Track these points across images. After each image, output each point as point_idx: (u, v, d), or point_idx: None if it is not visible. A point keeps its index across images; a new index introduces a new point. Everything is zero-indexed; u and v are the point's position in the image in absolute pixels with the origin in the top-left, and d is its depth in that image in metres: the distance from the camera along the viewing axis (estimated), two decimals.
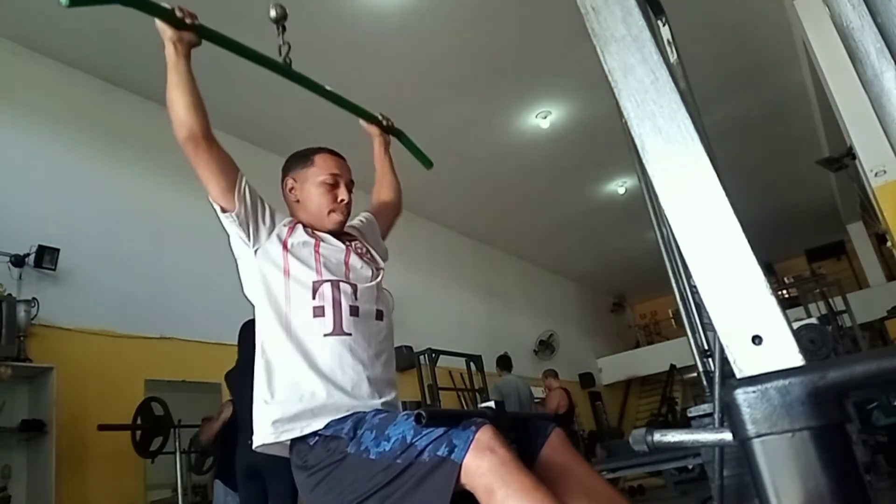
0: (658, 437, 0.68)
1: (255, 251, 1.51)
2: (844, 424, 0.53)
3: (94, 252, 4.72)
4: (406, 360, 6.99)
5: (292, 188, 1.66)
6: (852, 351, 6.58)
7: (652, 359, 13.18)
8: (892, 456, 5.12)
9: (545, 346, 10.91)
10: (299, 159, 1.68)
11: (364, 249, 1.67)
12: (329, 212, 1.61)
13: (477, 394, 7.72)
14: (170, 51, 1.48)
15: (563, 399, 7.33)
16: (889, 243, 6.41)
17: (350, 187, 1.66)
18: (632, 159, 2.40)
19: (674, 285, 2.51)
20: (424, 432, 1.20)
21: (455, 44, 5.78)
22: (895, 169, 4.30)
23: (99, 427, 4.04)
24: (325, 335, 1.44)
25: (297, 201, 1.64)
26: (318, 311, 1.46)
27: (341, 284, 1.50)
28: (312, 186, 1.62)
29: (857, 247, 12.27)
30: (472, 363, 7.73)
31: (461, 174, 8.03)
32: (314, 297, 1.46)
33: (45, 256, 4.26)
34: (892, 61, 0.58)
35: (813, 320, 5.24)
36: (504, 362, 7.37)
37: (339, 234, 1.64)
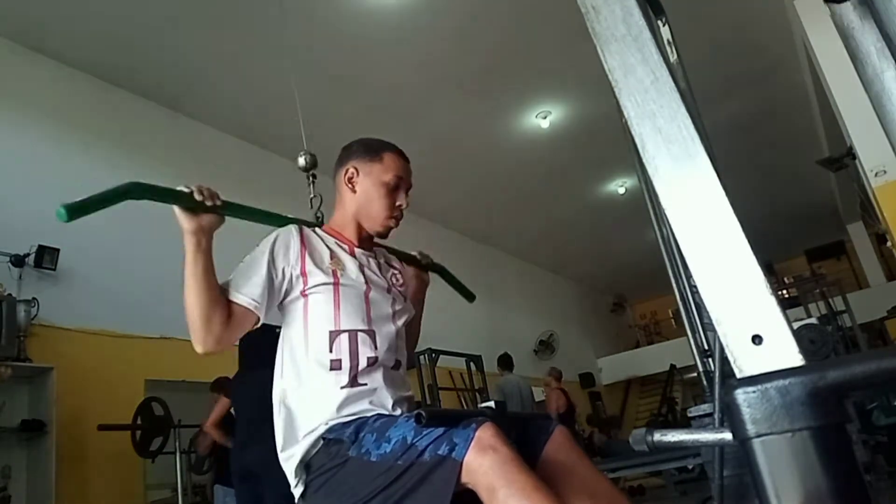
0: (658, 437, 0.68)
1: (280, 304, 1.47)
2: (844, 424, 0.53)
3: (94, 252, 4.72)
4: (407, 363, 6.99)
5: (352, 177, 1.56)
6: (852, 351, 6.59)
7: (652, 359, 13.19)
8: (892, 456, 5.12)
9: (545, 346, 10.91)
10: (367, 151, 1.58)
11: (391, 274, 1.61)
12: (386, 217, 1.55)
13: (477, 394, 7.72)
14: (189, 243, 1.33)
15: (560, 399, 7.32)
16: (889, 243, 6.41)
17: (408, 193, 1.59)
18: (632, 159, 2.40)
19: (674, 285, 2.51)
20: (425, 433, 1.20)
21: (455, 44, 5.78)
22: (895, 169, 4.30)
23: (99, 427, 4.04)
24: (342, 388, 1.40)
25: (354, 192, 1.56)
26: (335, 364, 1.41)
27: (359, 335, 1.44)
28: (374, 184, 1.54)
29: (857, 247, 12.28)
30: (472, 363, 7.73)
31: (461, 174, 8.04)
32: (331, 350, 1.42)
33: (45, 256, 4.26)
34: (892, 61, 0.58)
35: (813, 320, 5.24)
36: (505, 362, 7.38)
37: (372, 245, 1.59)
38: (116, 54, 5.06)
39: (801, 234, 12.70)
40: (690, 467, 5.83)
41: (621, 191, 9.49)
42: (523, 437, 1.39)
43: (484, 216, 9.47)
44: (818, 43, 4.82)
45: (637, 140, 0.63)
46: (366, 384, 1.41)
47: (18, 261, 4.20)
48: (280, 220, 1.58)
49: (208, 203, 1.34)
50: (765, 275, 0.57)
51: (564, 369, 11.42)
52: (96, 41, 4.90)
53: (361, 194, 1.56)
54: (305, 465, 1.38)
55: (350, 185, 1.57)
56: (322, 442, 1.36)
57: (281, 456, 1.41)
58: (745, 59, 6.65)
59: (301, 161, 1.71)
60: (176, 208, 1.33)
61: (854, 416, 4.92)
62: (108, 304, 4.66)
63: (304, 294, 1.44)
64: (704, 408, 2.23)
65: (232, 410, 3.80)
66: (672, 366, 12.47)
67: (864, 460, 4.49)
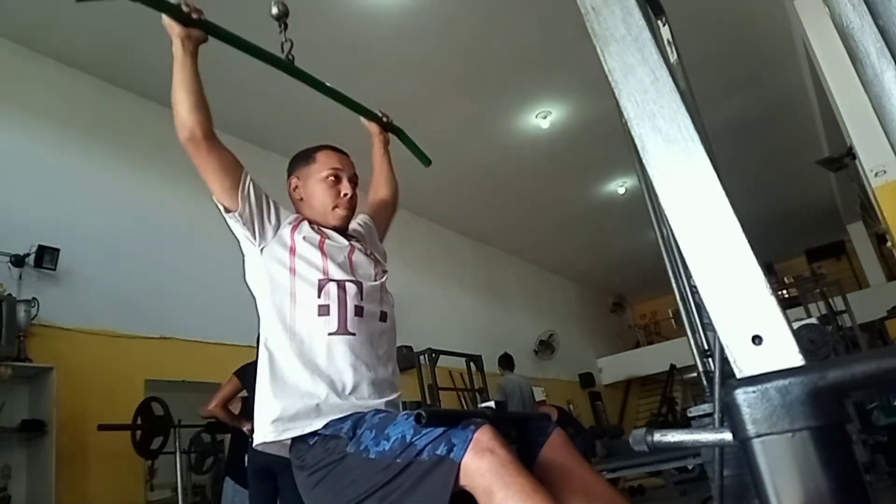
0: (658, 437, 0.68)
1: (261, 249, 1.51)
2: (844, 424, 0.53)
3: (94, 252, 4.72)
4: (406, 360, 6.99)
5: (296, 187, 1.66)
6: (852, 351, 6.58)
7: (652, 359, 13.18)
8: (892, 456, 5.12)
9: (545, 346, 10.91)
10: (301, 158, 1.68)
11: (368, 250, 1.67)
12: (333, 207, 1.61)
13: (477, 394, 7.72)
14: (177, 48, 1.46)
15: (551, 411, 7.28)
16: (889, 243, 6.40)
17: (353, 182, 1.66)
18: (632, 159, 2.40)
19: (674, 285, 2.51)
20: (424, 432, 1.20)
21: (455, 44, 5.78)
22: (895, 169, 4.30)
23: (99, 427, 4.04)
24: (330, 334, 1.44)
25: (302, 199, 1.65)
26: (323, 310, 1.45)
27: (347, 284, 1.49)
28: (315, 183, 1.63)
29: (857, 247, 12.27)
30: (472, 363, 7.73)
31: (461, 174, 8.03)
32: (319, 296, 1.46)
33: (45, 256, 4.26)
34: (892, 61, 0.58)
35: (813, 320, 5.24)
36: (506, 361, 7.37)
37: (343, 230, 1.65)
38: (116, 54, 5.06)
39: (801, 234, 12.70)
40: (690, 467, 5.84)
41: (621, 191, 9.48)
42: (522, 437, 1.39)
43: (484, 216, 9.47)
44: (818, 43, 4.81)
45: (637, 140, 0.63)
46: (354, 333, 1.46)
47: (18, 261, 4.20)
48: (255, 50, 1.75)
49: (194, 16, 1.48)
50: (765, 275, 0.57)
51: (565, 369, 11.46)
52: (96, 41, 4.90)
53: (308, 197, 1.64)
54: (298, 454, 1.39)
55: (297, 195, 1.67)
56: (319, 437, 1.37)
57: (258, 400, 1.42)
58: (745, 59, 6.65)
59: (274, 10, 1.82)
60: (165, 17, 1.47)
61: (854, 416, 4.92)
62: (108, 304, 4.65)
63: (292, 246, 1.51)
64: (704, 408, 2.23)
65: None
66: (672, 366, 12.47)
67: (864, 460, 4.49)
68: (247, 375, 3.57)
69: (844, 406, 0.53)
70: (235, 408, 3.66)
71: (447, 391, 7.42)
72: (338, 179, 1.63)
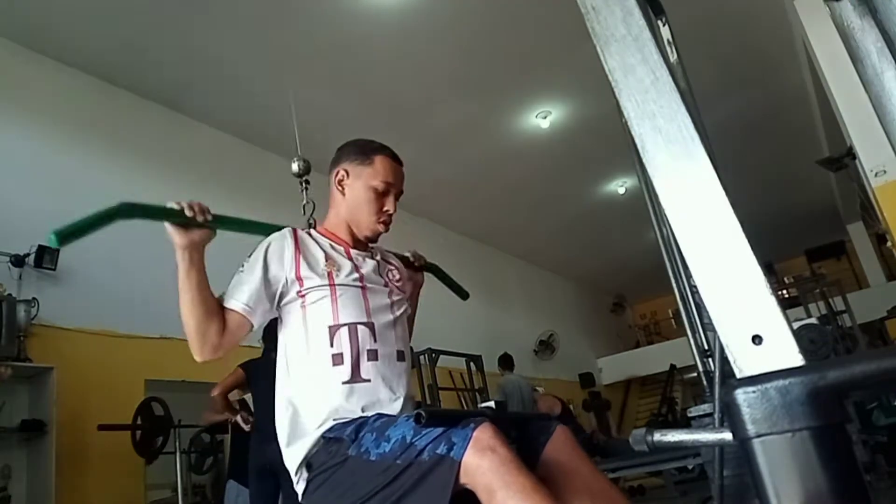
0: (658, 437, 0.68)
1: (280, 307, 1.50)
2: (844, 424, 0.53)
3: (94, 252, 4.71)
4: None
5: (342, 180, 1.57)
6: (852, 351, 6.58)
7: (652, 359, 13.18)
8: (892, 456, 5.12)
9: (545, 346, 10.91)
10: (358, 153, 1.57)
11: (387, 269, 1.61)
12: (372, 222, 1.55)
13: (477, 394, 7.72)
14: (184, 260, 1.38)
15: (554, 402, 7.14)
16: (889, 243, 6.40)
17: (398, 197, 1.59)
18: (632, 159, 2.41)
19: (674, 285, 2.51)
20: (424, 432, 1.20)
21: (455, 44, 5.78)
22: (895, 169, 4.30)
23: (99, 427, 4.04)
24: (344, 383, 1.41)
25: (343, 195, 1.57)
26: (337, 360, 1.42)
27: (359, 328, 1.44)
28: (364, 188, 1.54)
29: (857, 247, 12.27)
30: (472, 363, 7.73)
31: (461, 174, 8.04)
32: (332, 345, 1.43)
33: (45, 256, 4.26)
34: (892, 61, 0.58)
35: (813, 320, 5.23)
36: (506, 361, 7.36)
37: (366, 245, 1.60)
38: (116, 54, 5.06)
39: (801, 234, 12.69)
40: (690, 467, 5.84)
41: (621, 191, 9.48)
42: (524, 437, 1.39)
43: (484, 216, 9.47)
44: (818, 43, 4.81)
45: (637, 140, 0.63)
46: (368, 380, 1.42)
47: (18, 261, 4.20)
48: (271, 230, 1.58)
49: (199, 219, 1.38)
50: (765, 275, 0.57)
51: (565, 369, 11.45)
52: (96, 41, 4.90)
53: (350, 198, 1.56)
54: (307, 464, 1.39)
55: (340, 188, 1.58)
56: (322, 441, 1.37)
57: (285, 453, 1.41)
58: (745, 59, 6.65)
59: (294, 167, 1.72)
60: (167, 225, 1.38)
61: (854, 416, 4.92)
62: (108, 304, 4.65)
63: (300, 295, 1.46)
64: (704, 408, 2.23)
65: (250, 403, 3.74)
66: (672, 366, 12.46)
67: (864, 460, 4.49)
68: (251, 371, 3.57)
69: (844, 406, 0.53)
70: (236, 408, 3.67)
71: (447, 391, 7.42)
72: (386, 193, 1.55)
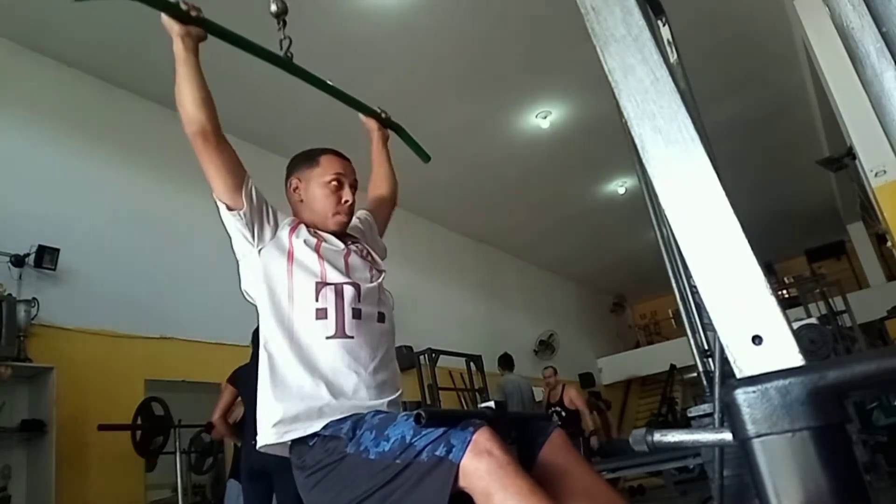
0: (658, 437, 0.68)
1: (259, 251, 1.51)
2: (844, 424, 0.53)
3: (94, 252, 4.72)
4: (406, 360, 6.99)
5: (296, 188, 1.66)
6: (852, 351, 6.58)
7: (652, 359, 13.18)
8: (892, 456, 5.12)
9: (545, 346, 10.91)
10: (304, 160, 1.68)
11: (365, 251, 1.67)
12: (334, 213, 1.61)
13: (477, 394, 7.72)
14: (178, 46, 1.48)
15: (578, 395, 6.88)
16: (889, 243, 6.40)
17: (354, 188, 1.66)
18: (632, 159, 2.41)
19: (674, 285, 2.51)
20: (424, 433, 1.20)
21: (455, 44, 5.78)
22: (895, 169, 4.30)
23: (99, 427, 4.04)
24: (328, 338, 1.45)
25: (301, 201, 1.65)
26: (321, 314, 1.46)
27: (344, 287, 1.50)
28: (317, 187, 1.62)
29: (857, 247, 12.27)
30: (472, 363, 7.73)
31: (461, 174, 8.03)
32: (317, 300, 1.47)
33: (45, 256, 4.26)
34: (892, 61, 0.58)
35: (813, 320, 5.24)
36: (506, 361, 7.35)
37: (341, 234, 1.65)
38: (116, 54, 5.06)
39: (801, 234, 12.69)
40: (690, 467, 5.84)
41: (621, 191, 9.48)
42: (522, 438, 1.39)
43: (484, 216, 9.47)
44: (818, 43, 4.81)
45: (637, 140, 0.63)
46: (352, 336, 1.47)
47: (18, 261, 4.20)
48: (254, 48, 1.77)
49: (192, 13, 1.49)
50: (765, 275, 0.57)
51: (565, 369, 11.44)
52: (97, 41, 4.90)
53: (308, 200, 1.64)
54: (297, 452, 1.40)
55: (297, 196, 1.66)
56: (318, 438, 1.37)
57: (259, 404, 1.44)
58: (745, 59, 6.65)
59: (273, 7, 1.83)
60: (164, 16, 1.49)
61: (854, 416, 4.93)
62: (108, 304, 4.65)
63: (290, 250, 1.51)
64: (704, 408, 2.23)
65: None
66: (672, 366, 12.46)
67: (864, 460, 4.49)
68: (240, 380, 3.58)
69: (844, 406, 0.53)
70: (239, 413, 3.66)
71: (447, 391, 7.42)
72: (340, 185, 1.62)
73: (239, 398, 3.61)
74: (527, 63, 6.21)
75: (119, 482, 4.34)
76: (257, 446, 1.42)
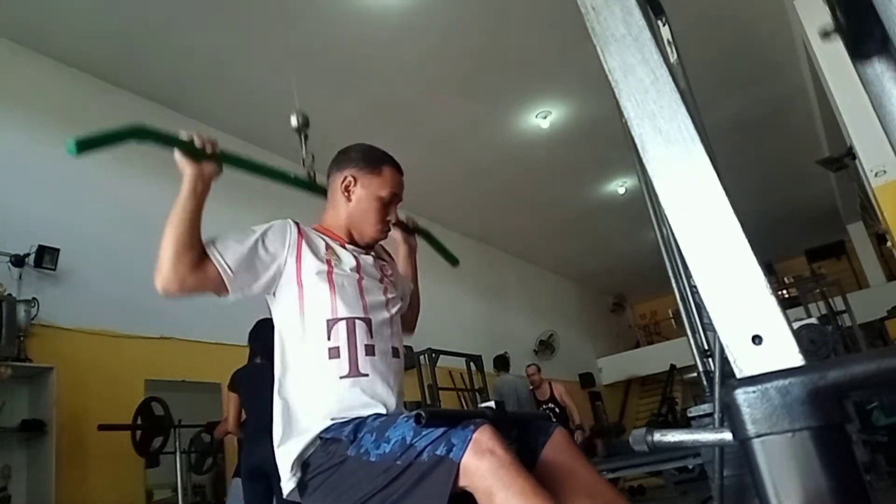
0: (658, 437, 0.68)
1: (274, 293, 1.48)
2: (844, 424, 0.53)
3: (94, 252, 4.72)
4: (406, 360, 6.97)
5: (349, 186, 1.57)
6: (852, 351, 6.58)
7: (652, 359, 13.18)
8: (892, 456, 5.12)
9: (545, 346, 10.91)
10: (367, 162, 1.59)
11: (381, 267, 1.61)
12: (375, 230, 1.57)
13: (477, 394, 7.73)
14: (187, 187, 1.39)
15: (566, 390, 6.90)
16: (889, 243, 6.40)
17: (398, 205, 1.63)
18: (632, 159, 2.41)
19: (674, 285, 2.51)
20: (424, 433, 1.20)
21: (455, 44, 5.78)
22: (895, 169, 4.30)
23: (99, 427, 4.04)
24: (342, 377, 1.41)
25: (349, 200, 1.57)
26: (334, 353, 1.42)
27: (357, 322, 1.45)
28: (371, 197, 1.56)
29: (857, 247, 12.27)
30: (472, 363, 7.73)
31: (461, 174, 8.04)
32: (329, 338, 1.43)
33: (45, 256, 4.26)
34: (893, 61, 0.58)
35: (813, 320, 5.23)
36: (501, 363, 7.30)
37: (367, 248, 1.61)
38: (117, 54, 5.06)
39: (801, 234, 12.69)
40: (690, 467, 5.84)
41: (621, 191, 9.48)
42: (523, 438, 1.39)
43: (484, 216, 9.47)
44: (818, 43, 4.81)
45: (637, 140, 0.63)
46: (367, 374, 1.42)
47: (18, 261, 4.20)
48: (278, 175, 1.67)
49: (208, 150, 1.42)
50: (765, 275, 0.57)
51: (565, 369, 11.45)
52: (97, 41, 4.90)
53: (356, 204, 1.57)
54: (303, 464, 1.38)
55: (346, 194, 1.58)
56: (320, 441, 1.37)
57: (278, 451, 1.40)
58: (745, 59, 6.65)
59: (293, 121, 1.75)
60: (177, 153, 1.42)
61: (854, 416, 4.92)
62: (108, 304, 4.65)
63: (299, 283, 1.45)
64: (704, 408, 2.23)
65: None
66: (672, 366, 12.46)
67: (864, 460, 4.49)
68: (239, 383, 3.61)
69: (844, 406, 0.53)
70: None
71: (447, 391, 7.42)
72: (391, 202, 1.59)
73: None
74: (527, 63, 6.21)
75: (119, 482, 4.34)
76: (283, 495, 1.40)
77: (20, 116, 4.65)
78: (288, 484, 1.39)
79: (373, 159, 1.59)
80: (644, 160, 0.63)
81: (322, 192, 1.69)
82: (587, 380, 12.15)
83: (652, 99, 0.63)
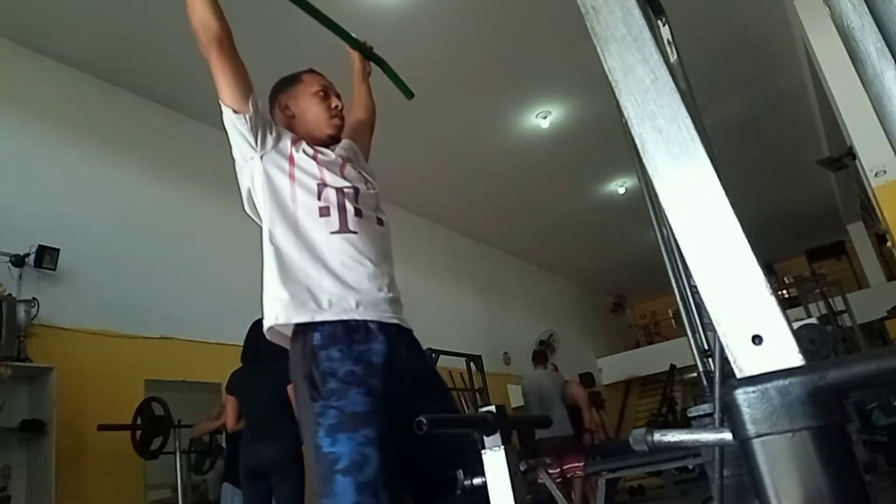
0: (658, 437, 0.68)
1: (262, 156, 1.58)
2: (844, 424, 0.53)
3: (94, 252, 4.72)
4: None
5: (286, 106, 1.75)
6: (852, 351, 6.58)
7: (652, 359, 13.18)
8: (892, 456, 5.12)
9: (545, 346, 10.90)
10: (287, 81, 1.79)
11: (357, 169, 1.74)
12: (329, 118, 1.72)
13: (477, 394, 7.72)
14: None
15: (580, 389, 6.68)
16: (889, 243, 6.40)
17: (339, 97, 1.77)
18: (632, 159, 2.41)
19: (674, 285, 2.51)
20: (348, 482, 1.29)
21: (455, 44, 5.78)
22: (895, 169, 4.30)
23: (99, 427, 4.04)
24: (332, 233, 1.51)
25: (294, 116, 1.73)
26: (324, 211, 1.53)
27: (344, 189, 1.58)
28: (307, 99, 1.73)
29: (857, 247, 12.27)
30: (472, 363, 7.73)
31: (461, 174, 8.03)
32: (319, 199, 1.54)
33: (45, 256, 4.26)
34: (892, 61, 0.58)
35: (813, 320, 5.23)
36: (535, 356, 6.95)
37: (337, 140, 1.75)
38: (116, 54, 5.05)
39: (801, 234, 12.69)
40: (690, 467, 5.84)
41: (621, 191, 9.48)
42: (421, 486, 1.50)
43: (484, 216, 9.47)
44: (818, 43, 4.82)
45: (637, 140, 0.63)
46: (356, 232, 1.54)
47: (18, 261, 4.20)
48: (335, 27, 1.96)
49: None
50: (765, 275, 0.57)
51: (565, 369, 11.44)
52: (97, 42, 4.90)
53: (301, 112, 1.74)
54: (295, 347, 1.45)
55: (289, 115, 1.74)
56: (319, 339, 1.42)
57: (266, 294, 1.49)
58: (745, 59, 6.65)
59: None
60: None
61: (854, 416, 4.92)
62: (108, 304, 4.65)
63: (291, 160, 1.58)
64: (704, 408, 2.23)
65: None
66: (672, 366, 12.46)
67: (864, 460, 4.49)
68: (237, 384, 3.63)
69: (844, 406, 0.53)
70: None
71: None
72: (327, 94, 1.74)
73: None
74: (527, 63, 6.21)
75: (119, 482, 4.34)
76: (264, 328, 1.48)
77: (20, 116, 4.65)
78: (268, 318, 1.47)
79: (290, 79, 1.80)
80: (644, 160, 0.63)
81: (376, 60, 2.00)
82: (587, 380, 12.13)
83: (652, 99, 0.63)
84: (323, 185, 1.56)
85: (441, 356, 7.06)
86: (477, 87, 6.45)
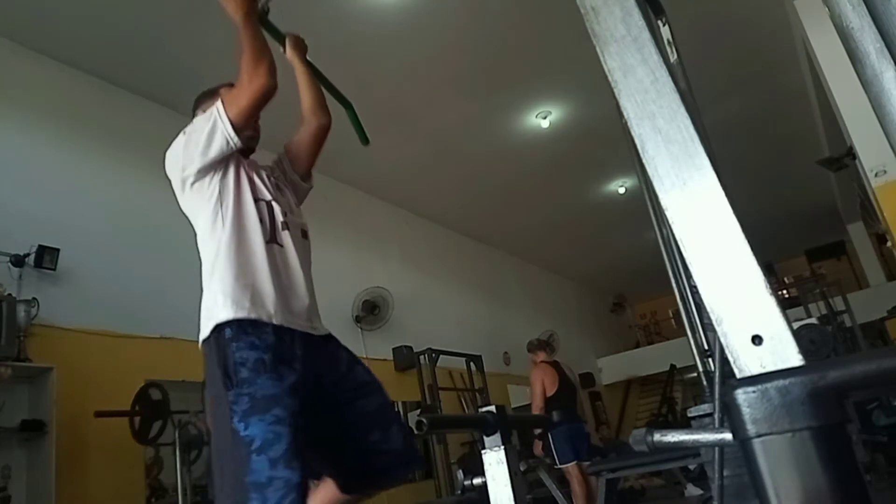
0: (658, 437, 0.68)
1: (210, 173, 1.76)
2: (844, 424, 0.53)
3: (94, 252, 4.72)
4: (406, 360, 6.99)
5: None
6: (852, 351, 6.58)
7: (652, 359, 13.18)
8: (892, 456, 5.12)
9: (545, 346, 10.90)
10: (207, 94, 1.96)
11: (277, 181, 1.90)
12: (246, 135, 1.81)
13: (477, 394, 7.73)
14: (248, 22, 1.81)
15: (547, 375, 5.79)
16: (889, 243, 6.41)
17: None
18: (632, 159, 2.41)
19: (674, 285, 2.51)
20: (263, 460, 1.39)
21: (455, 44, 5.78)
22: (895, 169, 4.30)
23: (96, 414, 4.02)
24: (267, 242, 1.68)
25: None
26: (255, 223, 1.70)
27: (273, 203, 1.75)
28: None
29: (857, 247, 12.27)
30: (472, 363, 7.74)
31: (461, 174, 8.03)
32: (253, 209, 1.71)
33: (45, 256, 4.26)
34: (892, 61, 0.58)
35: (813, 320, 5.24)
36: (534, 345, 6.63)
37: (251, 151, 1.89)
38: (116, 54, 5.05)
39: (801, 234, 12.69)
40: (690, 467, 5.84)
41: (621, 191, 9.49)
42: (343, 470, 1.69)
43: (484, 216, 9.47)
44: (818, 43, 4.82)
45: (637, 140, 0.63)
46: (282, 245, 1.72)
47: (18, 261, 4.19)
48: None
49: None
50: (765, 275, 0.57)
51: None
52: (97, 41, 4.90)
53: None
54: (217, 325, 1.63)
55: None
56: (235, 335, 1.57)
57: (204, 294, 1.73)
58: (745, 59, 6.65)
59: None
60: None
61: (854, 416, 4.92)
62: (108, 304, 4.65)
63: (237, 174, 1.75)
64: (704, 408, 2.23)
65: None
66: (672, 366, 12.47)
67: (864, 460, 4.50)
68: None
69: (844, 406, 0.53)
70: None
71: (447, 391, 7.42)
72: None
73: None
74: (527, 63, 6.21)
75: (119, 482, 4.34)
76: (199, 345, 1.67)
77: (20, 116, 4.65)
78: (208, 323, 1.68)
79: (209, 92, 1.97)
80: (644, 160, 0.63)
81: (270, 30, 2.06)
82: (587, 380, 12.15)
83: (652, 99, 0.63)
84: (256, 199, 1.75)
85: (441, 356, 7.07)
86: (477, 87, 6.45)
